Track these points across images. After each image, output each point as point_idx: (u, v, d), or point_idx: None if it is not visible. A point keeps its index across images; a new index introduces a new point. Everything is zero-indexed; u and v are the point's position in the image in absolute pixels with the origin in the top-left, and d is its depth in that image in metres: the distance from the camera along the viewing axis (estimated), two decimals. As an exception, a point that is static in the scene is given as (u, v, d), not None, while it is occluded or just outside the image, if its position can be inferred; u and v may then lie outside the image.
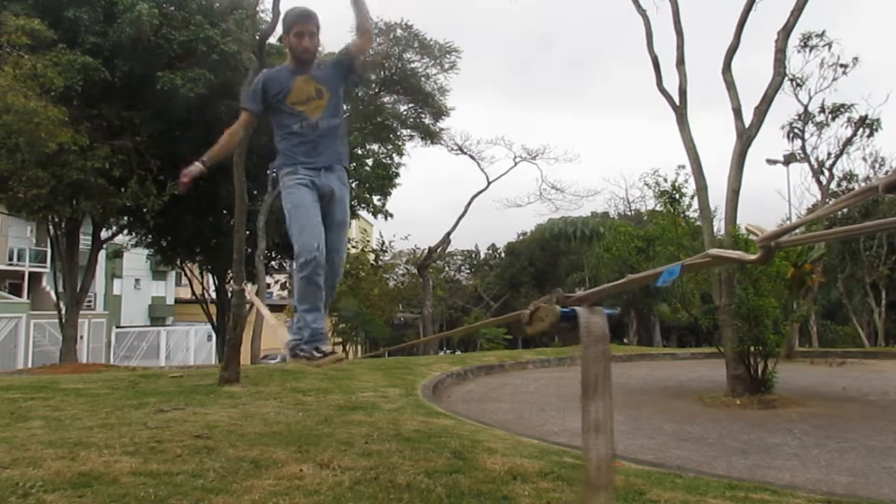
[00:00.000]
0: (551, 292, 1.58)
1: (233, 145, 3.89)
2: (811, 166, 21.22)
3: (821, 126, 20.93)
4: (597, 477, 1.36)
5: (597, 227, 34.06)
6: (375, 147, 21.53)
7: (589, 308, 1.49)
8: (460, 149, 23.71)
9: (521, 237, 44.90)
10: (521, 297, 40.35)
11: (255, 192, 17.29)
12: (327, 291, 3.43)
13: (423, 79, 20.80)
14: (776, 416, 7.56)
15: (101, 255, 21.32)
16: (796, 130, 21.10)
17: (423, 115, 21.90)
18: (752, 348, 8.68)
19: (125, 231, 19.95)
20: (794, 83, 19.69)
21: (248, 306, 10.95)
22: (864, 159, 23.22)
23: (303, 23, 3.38)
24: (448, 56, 20.37)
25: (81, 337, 20.74)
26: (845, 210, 18.74)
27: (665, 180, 10.94)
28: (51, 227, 16.72)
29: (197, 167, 3.40)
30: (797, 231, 1.82)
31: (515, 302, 40.27)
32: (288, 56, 3.52)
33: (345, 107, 3.66)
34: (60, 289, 18.23)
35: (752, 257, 1.27)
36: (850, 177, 23.10)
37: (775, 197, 45.89)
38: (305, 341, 3.30)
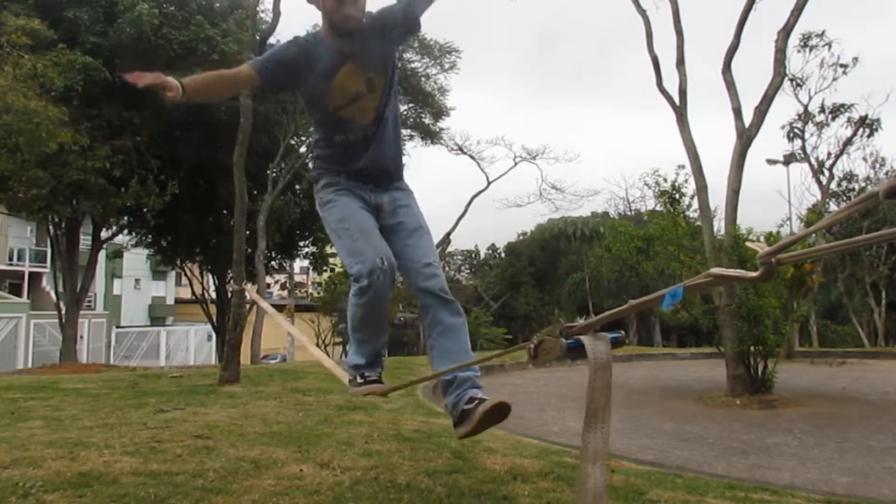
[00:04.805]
0: (552, 324, 1.57)
1: (214, 90, 2.58)
2: (811, 166, 21.23)
3: (821, 126, 20.95)
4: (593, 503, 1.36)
5: (597, 227, 34.04)
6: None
7: (593, 335, 1.48)
8: (460, 149, 23.72)
9: (521, 237, 44.88)
10: (521, 297, 40.36)
11: (255, 192, 17.33)
12: (441, 312, 2.48)
13: (423, 79, 20.82)
14: (776, 416, 7.56)
15: (101, 255, 21.32)
16: (796, 130, 21.12)
17: (423, 115, 21.91)
18: (752, 348, 8.68)
19: (125, 231, 19.98)
20: (794, 83, 19.70)
21: (248, 306, 10.94)
22: (865, 159, 23.26)
23: None
24: (448, 56, 20.40)
25: (81, 337, 20.74)
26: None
27: (665, 180, 10.91)
28: (51, 227, 16.74)
29: (177, 88, 2.19)
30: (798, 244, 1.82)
31: (515, 302, 40.28)
32: (322, 23, 2.55)
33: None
34: (60, 289, 18.23)
35: (753, 275, 1.27)
36: (850, 177, 23.12)
37: (775, 197, 45.92)
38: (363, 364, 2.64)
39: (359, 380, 2.62)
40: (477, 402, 2.32)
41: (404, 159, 2.77)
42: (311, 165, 2.62)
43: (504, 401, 2.31)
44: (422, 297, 2.51)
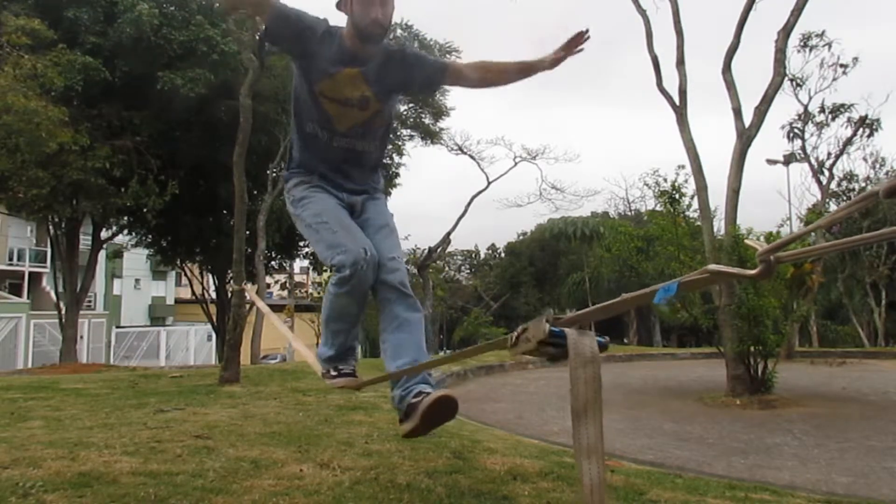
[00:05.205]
0: (542, 314, 1.55)
1: None
2: (811, 166, 21.26)
3: (821, 126, 20.98)
4: (591, 500, 1.36)
5: (597, 227, 34.04)
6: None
7: (578, 330, 1.46)
8: (460, 149, 23.65)
9: (521, 237, 44.92)
10: (521, 297, 40.38)
11: (255, 192, 17.32)
12: (399, 306, 2.44)
13: (423, 79, 20.77)
14: (776, 416, 7.56)
15: (101, 255, 21.32)
16: (796, 130, 21.15)
17: (423, 115, 21.88)
18: (752, 348, 8.68)
19: (125, 231, 19.97)
20: (794, 83, 19.72)
21: (248, 306, 10.94)
22: (865, 159, 23.34)
23: None
24: (448, 56, 20.36)
25: (81, 337, 20.74)
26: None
27: (665, 180, 10.93)
28: (51, 227, 16.73)
29: None
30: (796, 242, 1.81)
31: (515, 302, 40.31)
32: (346, 26, 2.43)
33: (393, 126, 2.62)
34: (60, 289, 18.23)
35: (751, 272, 1.26)
36: (850, 177, 23.17)
37: (775, 197, 46.00)
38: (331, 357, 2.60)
39: (332, 372, 2.58)
40: (423, 396, 2.21)
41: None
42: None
43: (448, 394, 2.20)
44: (382, 291, 2.44)
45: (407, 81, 2.57)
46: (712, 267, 1.34)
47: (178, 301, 38.29)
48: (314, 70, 2.43)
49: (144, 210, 16.25)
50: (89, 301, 25.04)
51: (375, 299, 2.51)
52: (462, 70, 2.59)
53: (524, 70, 2.50)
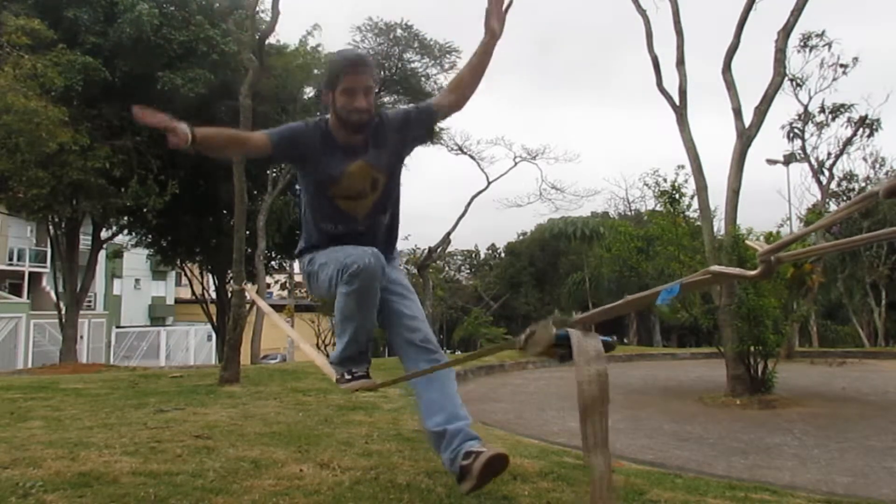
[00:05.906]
0: (548, 317, 1.56)
1: (225, 148, 2.71)
2: (811, 166, 21.25)
3: (821, 126, 20.97)
4: (601, 493, 1.37)
5: (597, 227, 34.04)
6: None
7: (583, 331, 1.47)
8: (460, 149, 23.64)
9: (521, 237, 44.93)
10: (521, 297, 40.38)
11: (255, 192, 17.34)
12: (423, 363, 2.48)
13: (423, 79, 20.79)
14: (776, 416, 7.56)
15: (101, 255, 21.33)
16: (796, 130, 21.14)
17: (423, 115, 21.86)
18: (752, 348, 8.68)
19: (125, 231, 19.98)
20: (794, 83, 19.71)
21: (248, 306, 10.94)
22: (865, 159, 23.30)
23: (355, 73, 2.41)
24: (448, 56, 20.36)
25: (81, 337, 20.74)
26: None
27: (665, 180, 10.92)
28: (51, 227, 16.74)
29: (185, 134, 2.25)
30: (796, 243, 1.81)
31: (515, 302, 40.30)
32: (331, 117, 2.51)
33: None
34: (60, 289, 18.24)
35: (752, 273, 1.27)
36: (850, 177, 23.15)
37: (775, 197, 45.99)
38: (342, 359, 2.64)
39: (346, 376, 2.60)
40: (474, 455, 2.27)
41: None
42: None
43: (502, 452, 2.30)
44: (405, 349, 2.53)
45: (404, 143, 2.63)
46: (714, 268, 1.34)
47: (178, 301, 38.30)
48: (322, 177, 2.52)
49: (144, 210, 16.26)
50: (89, 301, 25.04)
51: (401, 359, 2.58)
52: (444, 101, 2.64)
53: (482, 53, 2.54)
